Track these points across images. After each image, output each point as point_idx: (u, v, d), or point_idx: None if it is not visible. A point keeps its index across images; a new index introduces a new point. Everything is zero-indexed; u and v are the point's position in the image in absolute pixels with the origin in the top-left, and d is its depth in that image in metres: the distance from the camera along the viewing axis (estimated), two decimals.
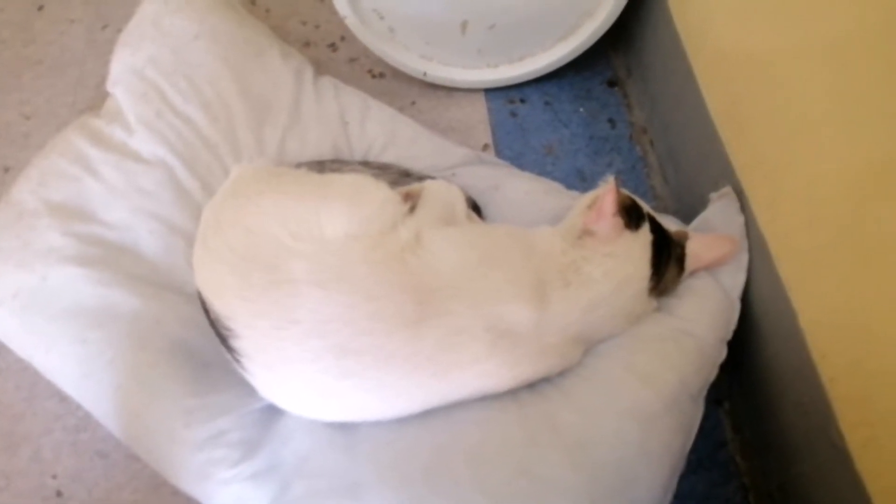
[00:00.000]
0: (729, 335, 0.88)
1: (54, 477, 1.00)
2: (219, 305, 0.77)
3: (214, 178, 0.99)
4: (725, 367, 0.97)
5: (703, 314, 0.86)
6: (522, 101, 1.35)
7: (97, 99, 1.10)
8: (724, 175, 0.96)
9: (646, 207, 0.88)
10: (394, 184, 0.95)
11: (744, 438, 0.97)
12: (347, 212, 0.80)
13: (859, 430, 0.71)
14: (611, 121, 1.32)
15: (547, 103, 1.34)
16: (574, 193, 1.04)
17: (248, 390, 0.80)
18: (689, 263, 0.88)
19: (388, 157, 1.08)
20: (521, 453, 0.75)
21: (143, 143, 1.00)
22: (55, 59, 1.46)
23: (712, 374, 0.85)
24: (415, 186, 0.96)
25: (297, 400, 0.78)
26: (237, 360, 0.77)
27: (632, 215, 0.85)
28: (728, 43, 0.96)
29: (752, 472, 0.96)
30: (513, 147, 1.29)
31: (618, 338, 0.84)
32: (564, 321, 0.79)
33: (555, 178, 1.10)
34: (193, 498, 0.82)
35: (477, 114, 1.33)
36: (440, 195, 0.94)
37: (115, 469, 0.98)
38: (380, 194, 0.85)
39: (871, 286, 0.68)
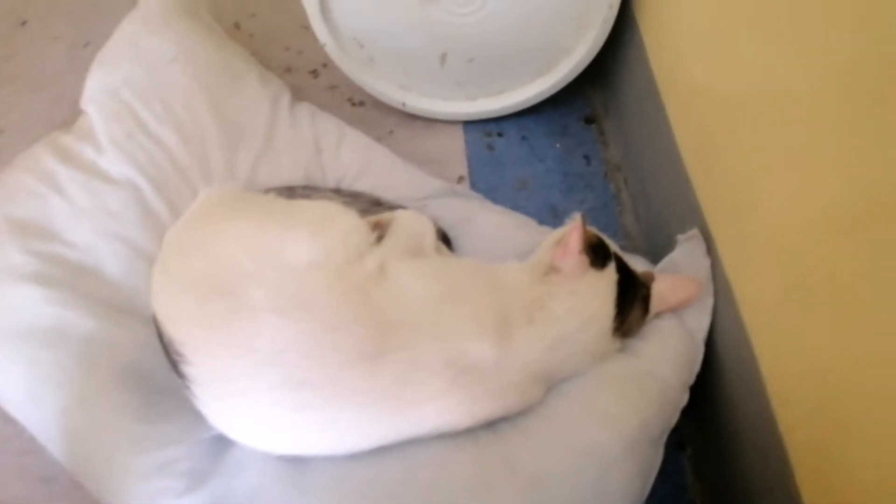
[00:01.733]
0: (692, 379, 0.87)
1: None
2: (172, 330, 0.76)
3: (183, 202, 0.99)
4: (690, 412, 0.96)
5: (667, 356, 0.86)
6: (500, 134, 1.36)
7: (73, 117, 1.09)
8: (692, 216, 0.96)
9: (613, 246, 0.88)
10: (364, 212, 0.95)
11: (705, 484, 0.96)
12: (311, 239, 0.80)
13: (816, 481, 0.70)
14: (586, 157, 1.33)
15: (524, 138, 1.35)
16: (545, 229, 1.04)
17: (200, 419, 0.78)
18: (655, 304, 0.88)
19: (362, 186, 1.08)
20: (475, 494, 0.73)
21: (112, 163, 0.99)
22: (34, 75, 1.46)
23: (674, 417, 0.84)
24: (385, 216, 0.95)
25: (249, 431, 0.76)
26: (188, 388, 0.75)
27: (598, 253, 0.84)
28: (698, 84, 0.97)
29: None
30: (488, 180, 1.29)
31: (580, 377, 0.83)
32: (527, 359, 0.78)
33: (528, 213, 1.10)
34: None
35: (454, 146, 1.33)
36: (409, 226, 0.93)
37: (59, 496, 0.95)
38: (347, 222, 0.85)
39: (830, 334, 0.68)
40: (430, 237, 0.94)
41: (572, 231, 0.83)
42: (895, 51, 0.56)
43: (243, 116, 1.09)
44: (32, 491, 0.97)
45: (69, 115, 1.34)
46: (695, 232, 0.94)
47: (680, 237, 0.95)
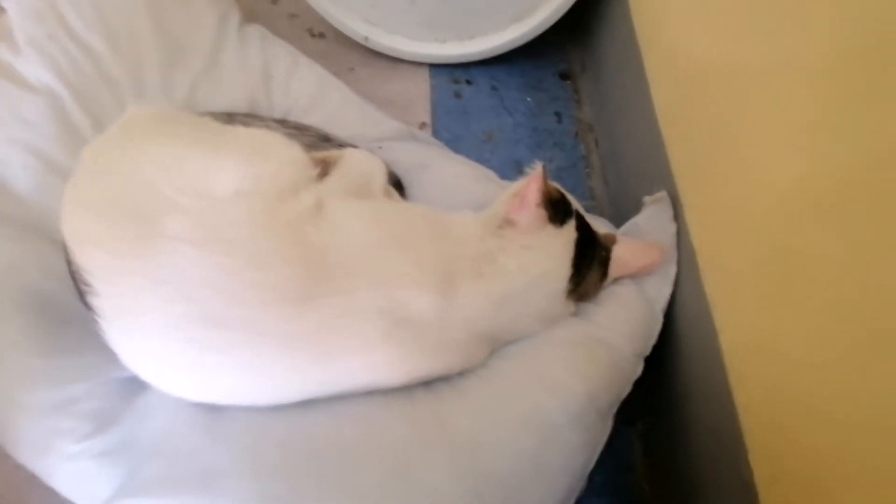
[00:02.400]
0: (647, 350, 0.82)
1: None
2: (80, 256, 0.67)
3: (108, 117, 0.88)
4: (642, 385, 0.92)
5: (623, 324, 0.80)
6: (468, 82, 1.28)
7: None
8: (663, 181, 0.91)
9: (575, 204, 0.82)
10: (311, 147, 0.87)
11: (653, 463, 0.91)
12: (242, 167, 0.71)
13: (768, 464, 0.66)
14: (557, 114, 1.26)
15: (494, 88, 1.27)
16: (507, 184, 0.97)
17: (110, 357, 0.69)
18: (614, 269, 0.82)
19: (312, 120, 0.99)
20: (402, 455, 0.67)
21: (29, 66, 0.88)
22: None
23: (625, 390, 0.79)
24: (332, 153, 0.87)
25: (158, 372, 0.68)
26: (96, 321, 0.67)
27: (557, 209, 0.78)
28: (680, 42, 0.91)
29: (658, 499, 0.90)
30: (451, 129, 1.21)
31: (527, 340, 0.77)
32: (471, 315, 0.72)
33: (491, 167, 1.03)
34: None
35: (418, 89, 1.25)
36: (357, 165, 0.85)
37: None
38: (284, 153, 0.76)
39: (793, 311, 0.63)
40: (380, 179, 0.86)
41: (531, 182, 0.76)
42: (879, 29, 0.52)
43: (186, 32, 0.98)
44: None
45: None
46: (662, 194, 0.88)
47: (647, 199, 0.90)
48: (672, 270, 0.85)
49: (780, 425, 0.64)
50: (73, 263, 0.68)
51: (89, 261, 0.66)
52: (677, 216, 0.87)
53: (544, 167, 0.76)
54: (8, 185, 0.83)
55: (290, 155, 0.76)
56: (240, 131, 0.80)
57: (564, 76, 1.32)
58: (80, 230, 0.69)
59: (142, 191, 0.67)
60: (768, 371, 0.67)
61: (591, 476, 0.83)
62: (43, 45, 0.89)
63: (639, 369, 0.81)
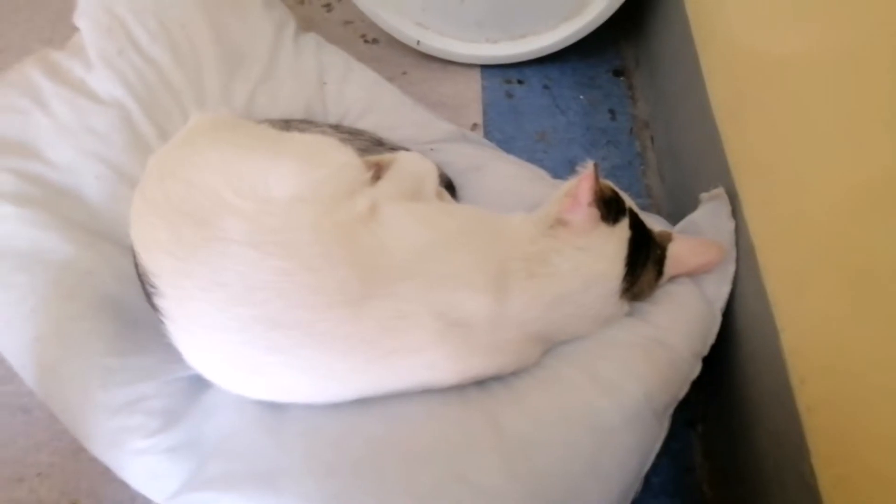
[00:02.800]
0: (706, 350, 0.80)
1: None
2: (146, 260, 0.70)
3: (173, 126, 0.93)
4: (703, 387, 0.90)
5: (680, 324, 0.79)
6: (520, 81, 1.27)
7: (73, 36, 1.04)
8: (720, 177, 0.89)
9: (628, 202, 0.81)
10: (364, 151, 0.88)
11: (714, 465, 0.89)
12: (299, 171, 0.73)
13: (832, 468, 0.63)
14: (612, 112, 1.24)
15: (546, 87, 1.27)
16: (559, 183, 0.97)
17: (176, 356, 0.72)
18: (670, 267, 0.80)
19: (365, 124, 1.01)
20: (458, 456, 0.67)
21: (100, 80, 0.93)
22: None
23: (682, 390, 0.78)
24: (385, 156, 0.89)
25: (220, 372, 0.71)
26: (162, 322, 0.70)
27: (611, 208, 0.77)
28: (737, 36, 0.89)
29: (718, 502, 0.88)
30: (504, 130, 1.21)
31: (582, 340, 0.76)
32: (524, 316, 0.72)
33: (544, 167, 1.03)
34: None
35: (470, 91, 1.25)
36: (410, 167, 0.86)
37: (37, 427, 0.91)
38: (340, 158, 0.78)
39: (857, 309, 0.61)
40: (432, 182, 0.87)
41: (582, 181, 0.75)
42: None
43: (244, 41, 1.02)
44: (11, 420, 0.93)
45: (70, 35, 1.29)
46: (720, 191, 0.86)
47: (704, 195, 0.88)
48: (731, 268, 0.83)
49: (844, 427, 0.62)
50: (140, 266, 0.72)
51: (155, 264, 0.69)
52: (735, 213, 0.84)
53: (596, 165, 0.75)
54: (81, 194, 0.87)
55: (344, 159, 0.78)
56: (296, 137, 0.82)
57: (618, 73, 1.30)
58: (147, 234, 0.72)
59: (203, 195, 0.70)
60: (832, 371, 0.65)
61: (650, 477, 0.82)
62: (112, 59, 0.94)
63: (697, 369, 0.79)
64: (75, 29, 1.02)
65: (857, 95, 0.62)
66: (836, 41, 0.66)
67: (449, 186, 0.93)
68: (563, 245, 0.75)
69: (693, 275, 0.82)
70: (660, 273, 0.80)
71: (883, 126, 0.58)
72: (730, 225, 0.83)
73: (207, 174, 0.72)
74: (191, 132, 0.81)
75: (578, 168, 0.79)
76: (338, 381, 0.69)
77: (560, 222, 0.77)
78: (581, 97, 1.26)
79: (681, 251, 0.81)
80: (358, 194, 0.75)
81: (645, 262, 0.78)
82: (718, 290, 0.82)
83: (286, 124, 0.91)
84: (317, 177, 0.73)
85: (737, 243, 0.83)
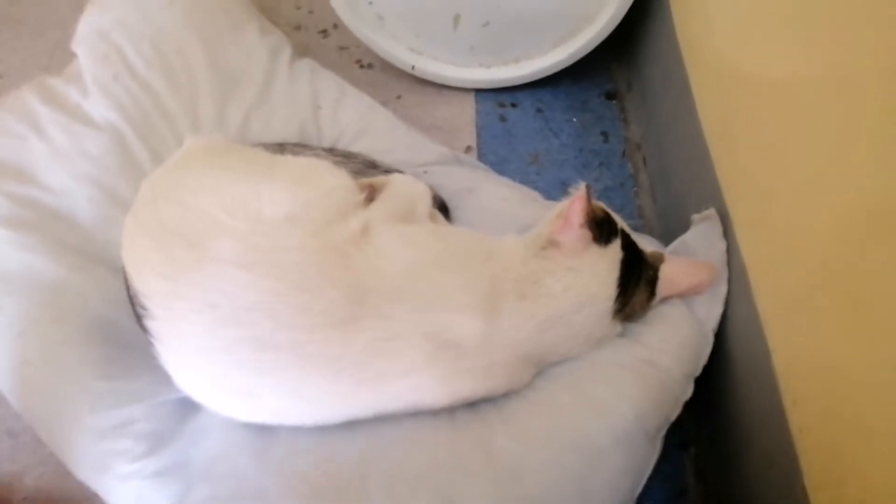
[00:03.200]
0: (697, 371, 0.80)
1: None
2: (138, 282, 0.70)
3: (167, 150, 0.93)
4: (695, 409, 0.89)
5: (671, 345, 0.78)
6: (514, 105, 1.29)
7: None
8: (712, 198, 0.89)
9: (620, 223, 0.81)
10: (358, 174, 0.89)
11: (706, 488, 0.88)
12: (291, 192, 0.73)
13: (825, 490, 0.63)
14: (604, 134, 1.25)
15: (539, 110, 1.28)
16: (552, 204, 0.97)
17: (165, 379, 0.72)
18: (662, 288, 0.80)
19: (359, 148, 1.02)
20: (446, 479, 0.67)
21: (95, 106, 0.94)
22: (38, 20, 1.42)
23: (674, 412, 0.77)
24: (379, 178, 0.89)
25: (210, 394, 0.70)
26: (152, 344, 0.70)
27: (602, 229, 0.77)
28: (726, 58, 0.89)
29: None
30: (497, 152, 1.22)
31: (573, 361, 0.76)
32: (515, 337, 0.72)
33: (538, 189, 1.04)
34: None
35: (464, 114, 1.26)
36: (403, 189, 0.87)
37: (23, 451, 0.90)
38: (332, 180, 0.79)
39: (849, 330, 0.61)
40: (425, 204, 0.87)
41: (574, 202, 0.75)
42: None
43: (239, 66, 1.03)
44: None
45: (69, 62, 1.30)
46: (711, 212, 0.86)
47: (695, 217, 0.88)
48: (723, 289, 0.83)
49: (837, 449, 0.61)
50: (131, 288, 0.72)
51: (146, 285, 0.69)
52: (727, 233, 0.84)
53: (588, 187, 0.75)
54: (74, 217, 0.87)
55: (337, 181, 0.78)
56: (289, 160, 0.83)
57: (610, 96, 1.31)
58: (139, 256, 0.72)
59: (196, 218, 0.70)
60: (825, 392, 0.65)
61: (642, 500, 0.81)
62: (108, 85, 0.95)
63: (689, 391, 0.78)
64: (73, 56, 1.04)
65: (846, 116, 0.62)
66: (824, 62, 0.67)
67: (442, 208, 0.94)
68: (555, 266, 0.75)
69: (685, 296, 0.82)
70: (652, 294, 0.80)
71: (872, 147, 0.58)
72: (721, 245, 0.83)
73: (200, 197, 0.72)
74: (184, 156, 0.82)
75: (571, 189, 0.79)
76: (325, 402, 0.69)
77: (552, 243, 0.77)
78: (574, 120, 1.27)
79: (673, 272, 0.81)
80: (350, 216, 0.75)
81: (637, 282, 0.78)
82: (710, 311, 0.82)
83: (280, 147, 0.92)
84: (309, 198, 0.73)
85: (728, 264, 0.83)
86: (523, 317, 0.72)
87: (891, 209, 0.56)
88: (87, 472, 0.75)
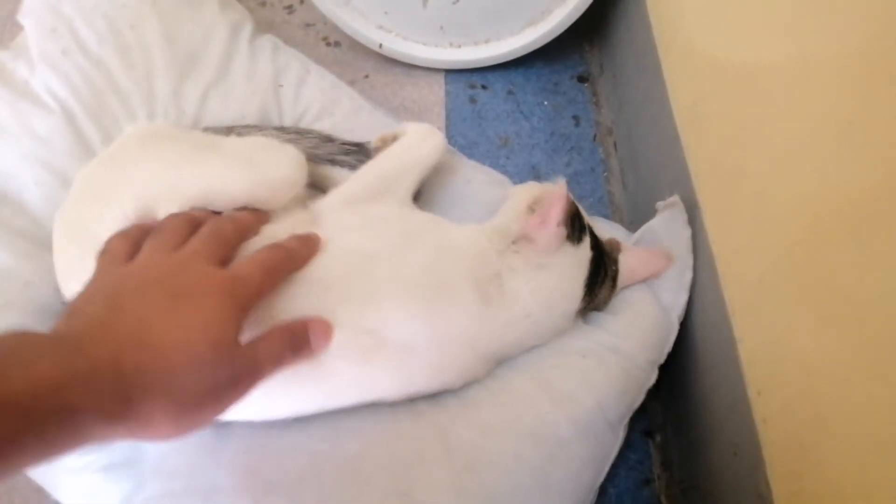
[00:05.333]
0: (662, 358, 0.79)
1: None
2: (67, 292, 0.67)
3: (119, 131, 0.88)
4: (662, 398, 0.89)
5: (636, 332, 0.77)
6: (484, 87, 1.26)
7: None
8: (681, 185, 0.88)
9: (584, 214, 0.79)
10: (314, 149, 0.85)
11: (672, 477, 0.88)
12: (229, 178, 0.69)
13: (787, 482, 0.62)
14: (575, 118, 1.23)
15: (510, 92, 1.25)
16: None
17: None
18: (622, 280, 0.79)
19: (322, 127, 0.98)
20: (403, 472, 0.65)
21: (43, 82, 0.89)
22: None
23: (638, 399, 0.76)
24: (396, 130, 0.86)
25: None
26: None
27: (575, 226, 0.75)
28: (697, 40, 0.88)
29: None
30: (467, 135, 1.20)
31: (537, 350, 0.75)
32: (470, 337, 0.69)
33: (507, 173, 1.01)
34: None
35: (433, 95, 1.23)
36: (398, 160, 0.82)
37: None
38: (276, 160, 0.74)
39: (813, 321, 0.60)
40: (411, 178, 0.81)
41: (556, 201, 0.72)
42: None
43: (197, 43, 0.98)
44: None
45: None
46: (675, 199, 0.85)
47: (660, 204, 0.87)
48: (688, 276, 0.82)
49: (799, 441, 0.61)
50: (63, 298, 0.68)
51: (67, 292, 0.66)
52: (696, 221, 0.83)
53: (566, 183, 0.73)
54: (22, 200, 0.83)
55: (282, 161, 0.74)
56: (230, 143, 0.77)
57: (582, 79, 1.29)
58: (65, 264, 0.69)
59: (127, 217, 0.66)
60: (788, 384, 0.64)
61: (607, 489, 0.81)
62: (56, 60, 0.90)
63: (653, 377, 0.78)
64: (20, 29, 0.99)
65: (815, 102, 0.61)
66: (793, 49, 0.65)
67: None
68: (525, 264, 0.72)
69: (647, 281, 0.81)
70: (614, 287, 0.78)
71: (839, 134, 0.57)
72: (686, 233, 0.82)
73: (135, 191, 0.68)
74: (120, 145, 0.76)
75: (550, 183, 0.76)
76: (274, 397, 0.66)
77: (523, 237, 0.74)
78: (545, 103, 1.24)
79: (632, 263, 0.80)
80: (299, 203, 0.72)
81: (603, 281, 0.76)
82: (676, 297, 0.81)
83: (229, 130, 0.88)
84: (247, 184, 0.70)
85: (696, 252, 0.82)
86: (485, 318, 0.69)
87: (856, 199, 0.55)
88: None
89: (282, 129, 0.90)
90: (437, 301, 0.67)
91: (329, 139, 0.90)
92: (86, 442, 0.44)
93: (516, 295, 0.71)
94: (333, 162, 0.86)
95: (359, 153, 0.90)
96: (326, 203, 0.74)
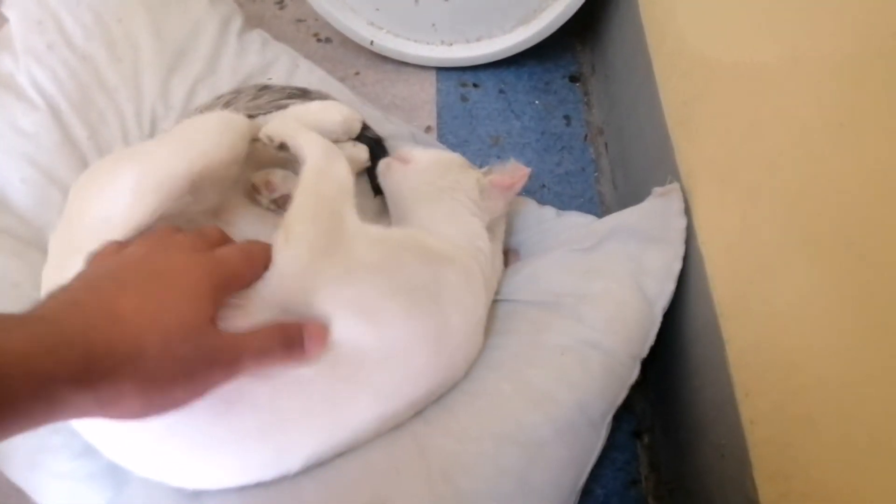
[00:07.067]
0: (644, 352, 0.77)
1: None
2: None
3: (106, 127, 0.88)
4: (650, 398, 0.88)
5: (617, 325, 0.75)
6: (476, 85, 1.25)
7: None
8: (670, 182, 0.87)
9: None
10: (253, 100, 0.84)
11: (659, 478, 0.88)
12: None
13: (774, 483, 0.62)
14: (567, 118, 1.23)
15: (501, 91, 1.25)
16: None
17: None
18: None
19: None
20: (381, 482, 0.63)
21: (28, 76, 0.88)
22: None
23: (620, 396, 0.74)
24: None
25: None
26: None
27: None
28: (688, 40, 0.88)
29: None
30: (458, 133, 1.19)
31: (514, 348, 0.74)
32: None
33: None
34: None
35: (424, 93, 1.23)
36: (324, 185, 0.66)
37: None
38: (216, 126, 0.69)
39: (799, 324, 0.60)
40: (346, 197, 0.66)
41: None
42: None
43: (185, 37, 0.98)
44: None
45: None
46: (674, 186, 0.83)
47: (656, 190, 0.85)
48: (676, 266, 0.79)
49: (785, 443, 0.61)
50: None
51: None
52: (687, 215, 0.83)
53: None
54: (7, 197, 0.82)
55: (210, 124, 0.69)
56: (173, 129, 0.74)
57: (574, 78, 1.29)
58: (49, 272, 0.68)
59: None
60: (775, 386, 0.64)
61: (594, 489, 0.80)
62: (42, 54, 0.89)
63: (635, 372, 0.75)
64: (6, 21, 0.97)
65: (806, 105, 0.60)
66: (781, 46, 0.65)
67: (378, 143, 0.90)
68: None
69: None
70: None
71: (831, 136, 0.57)
72: (680, 222, 0.81)
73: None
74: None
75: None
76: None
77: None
78: (536, 102, 1.24)
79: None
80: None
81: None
82: (662, 287, 0.79)
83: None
84: (183, 161, 0.64)
85: (687, 251, 0.82)
86: None
87: (847, 200, 0.55)
88: (15, 470, 0.70)
89: (218, 98, 0.87)
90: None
91: (265, 87, 0.88)
92: (61, 412, 0.42)
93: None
94: (280, 108, 0.84)
95: (303, 97, 0.88)
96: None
